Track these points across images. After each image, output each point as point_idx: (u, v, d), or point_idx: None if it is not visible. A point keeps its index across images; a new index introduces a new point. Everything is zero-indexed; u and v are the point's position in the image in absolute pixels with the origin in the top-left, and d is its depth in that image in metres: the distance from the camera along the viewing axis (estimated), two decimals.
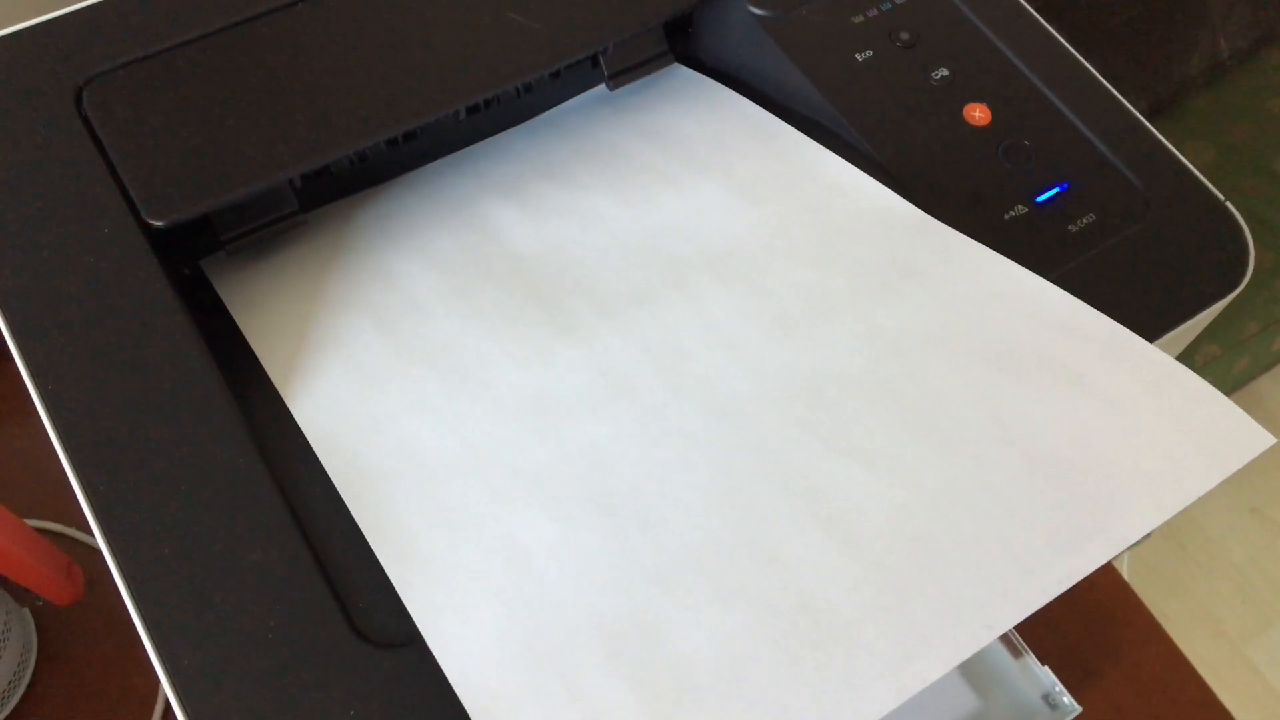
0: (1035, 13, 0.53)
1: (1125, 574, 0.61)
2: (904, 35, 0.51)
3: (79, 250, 0.42)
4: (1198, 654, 1.40)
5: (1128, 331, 0.40)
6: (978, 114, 0.49)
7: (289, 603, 0.36)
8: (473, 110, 0.51)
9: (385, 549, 0.37)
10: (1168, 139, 0.49)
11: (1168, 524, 1.49)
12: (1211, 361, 1.27)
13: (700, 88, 0.53)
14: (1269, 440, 0.37)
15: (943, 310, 0.42)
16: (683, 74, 0.54)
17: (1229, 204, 0.47)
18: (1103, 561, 0.34)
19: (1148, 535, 1.23)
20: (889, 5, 0.52)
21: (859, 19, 0.51)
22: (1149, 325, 0.44)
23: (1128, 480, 0.36)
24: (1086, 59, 0.52)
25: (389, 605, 0.36)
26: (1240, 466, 0.36)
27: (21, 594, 0.58)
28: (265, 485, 0.38)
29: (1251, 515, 1.51)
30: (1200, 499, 1.50)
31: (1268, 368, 1.40)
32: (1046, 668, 0.53)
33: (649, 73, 0.53)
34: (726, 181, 0.48)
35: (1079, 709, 0.52)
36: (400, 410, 0.41)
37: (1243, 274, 0.46)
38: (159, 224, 0.43)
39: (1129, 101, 0.50)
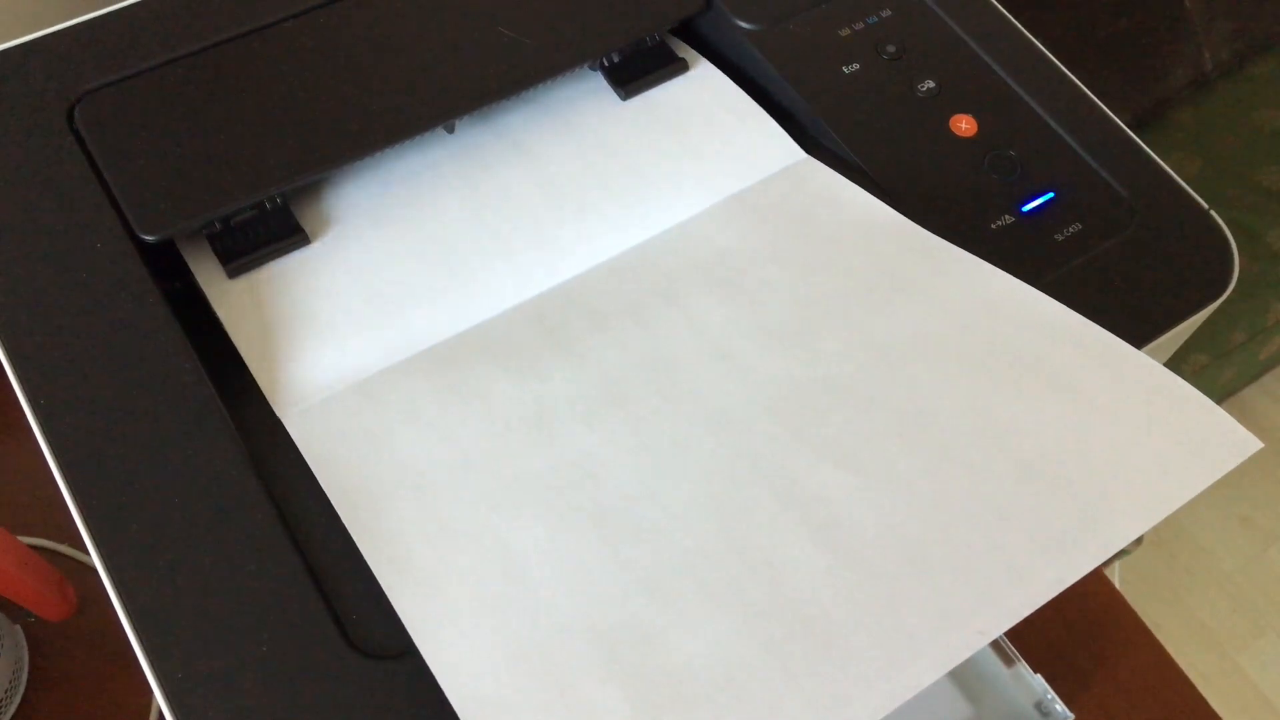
0: (1020, 25, 0.53)
1: (1116, 583, 0.61)
2: (890, 48, 0.52)
3: (71, 265, 0.42)
4: (1189, 663, 1.40)
5: (1116, 339, 0.41)
6: (964, 125, 0.50)
7: (283, 615, 0.36)
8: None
9: (379, 561, 0.37)
10: (1152, 151, 0.50)
11: (1158, 533, 1.49)
12: (1199, 371, 1.27)
13: (706, 85, 0.53)
14: (1256, 444, 0.37)
15: (933, 319, 0.42)
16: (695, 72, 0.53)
17: (1213, 212, 0.48)
18: (1094, 566, 0.35)
19: (1139, 542, 1.23)
20: (875, 18, 0.52)
21: (845, 32, 0.52)
22: (1135, 332, 0.44)
23: (1117, 485, 0.37)
24: (1071, 72, 0.52)
25: (383, 617, 0.36)
26: (1228, 471, 0.36)
27: (13, 610, 0.58)
28: (258, 498, 0.38)
29: (1241, 524, 1.51)
30: (1190, 508, 1.51)
31: (1255, 377, 1.41)
32: (1039, 676, 0.53)
33: (660, 81, 0.53)
34: (718, 191, 0.48)
35: (1071, 716, 0.52)
36: (394, 422, 0.41)
37: (1228, 281, 0.46)
38: (151, 239, 0.43)
39: (1113, 114, 0.51)
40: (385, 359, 0.43)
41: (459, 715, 0.33)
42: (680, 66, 0.53)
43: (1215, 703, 1.37)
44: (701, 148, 0.50)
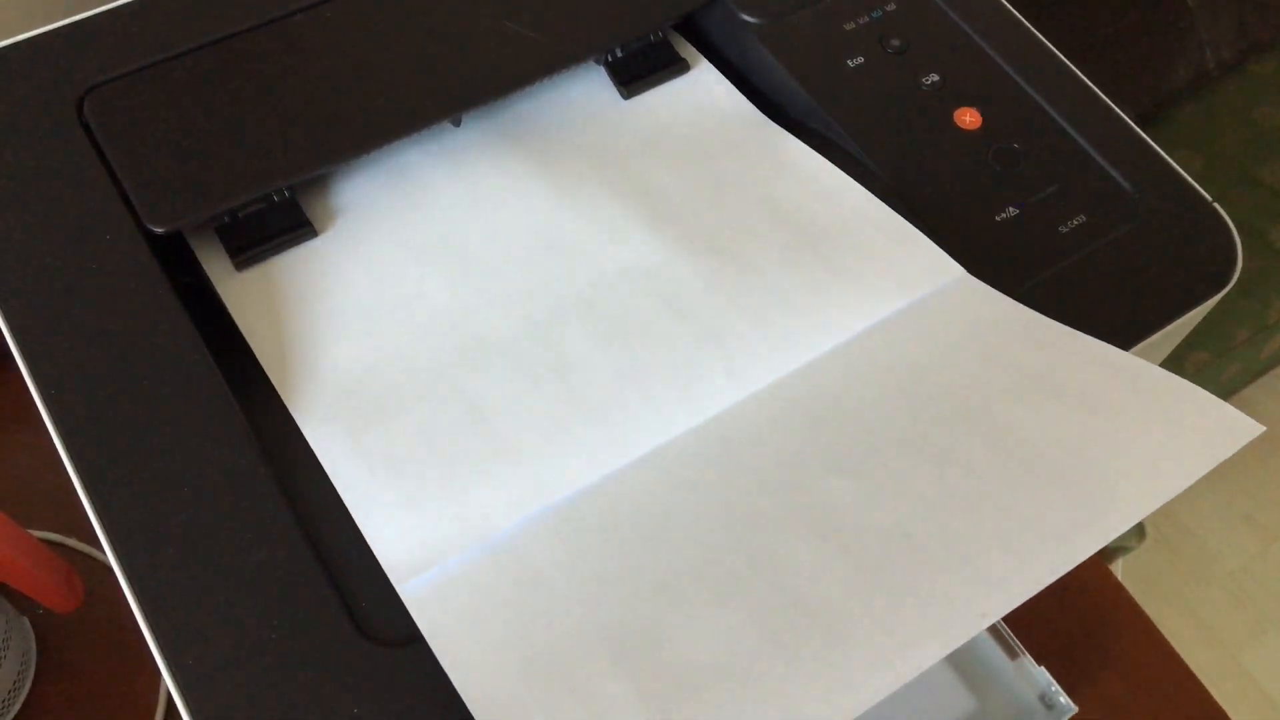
0: (1024, 19, 0.54)
1: (1119, 581, 0.62)
2: (895, 41, 0.52)
3: (81, 257, 0.42)
4: (1192, 661, 1.40)
5: (1104, 344, 0.41)
6: (968, 118, 0.50)
7: (293, 601, 0.36)
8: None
9: (390, 560, 0.37)
10: (1162, 152, 0.50)
11: (1161, 531, 1.49)
12: (1201, 368, 1.27)
13: (716, 98, 0.53)
14: (1257, 428, 0.37)
15: (928, 335, 0.43)
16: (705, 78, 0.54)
17: (1216, 204, 0.48)
18: (1094, 549, 0.35)
19: (1142, 538, 1.23)
20: (879, 12, 0.53)
21: (850, 25, 0.52)
22: (1139, 324, 0.45)
23: (1118, 473, 0.37)
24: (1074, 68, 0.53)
25: (393, 604, 0.36)
26: (1229, 455, 0.37)
27: (22, 602, 0.58)
28: (268, 486, 0.38)
29: (1244, 522, 1.51)
30: (1193, 506, 1.51)
31: (1257, 375, 1.41)
32: (1043, 668, 0.53)
33: (662, 81, 0.53)
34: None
35: (1075, 709, 0.52)
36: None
37: (1231, 273, 0.46)
38: (160, 230, 0.43)
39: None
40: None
41: (468, 705, 0.33)
42: (681, 67, 0.53)
43: (1219, 701, 1.37)
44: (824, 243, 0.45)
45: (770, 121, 0.51)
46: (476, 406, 0.41)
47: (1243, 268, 0.47)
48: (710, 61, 0.54)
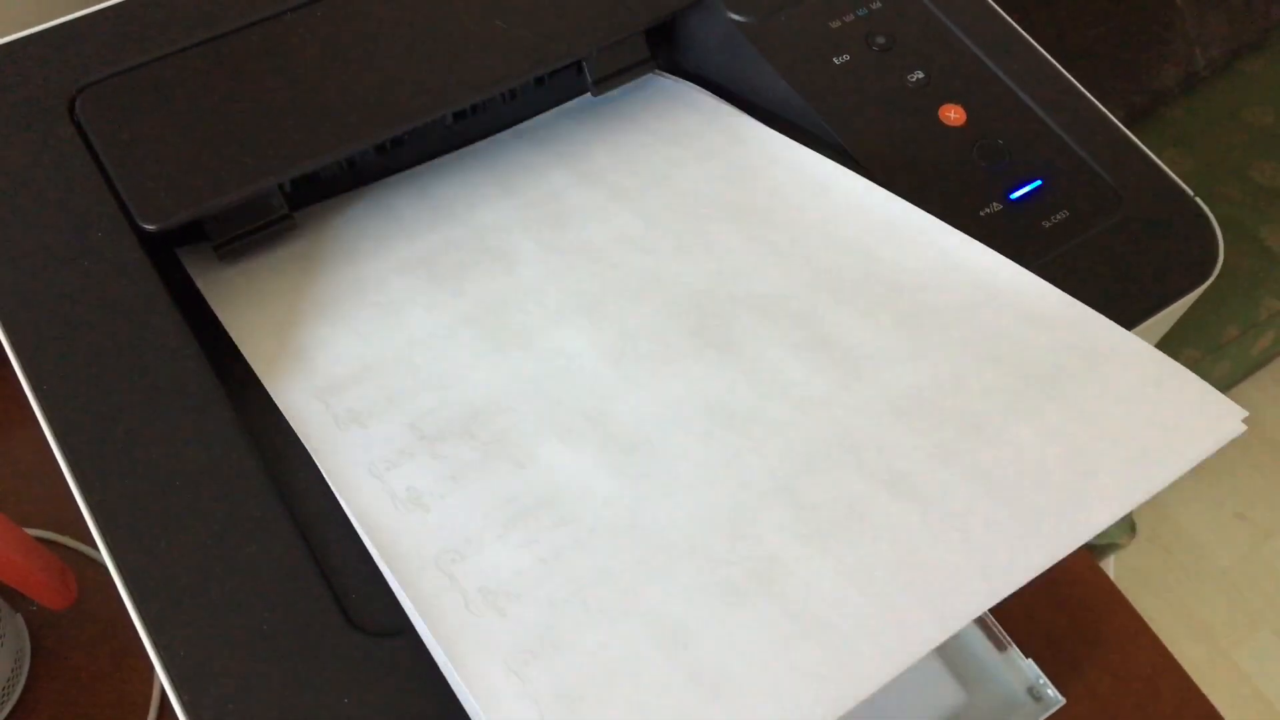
0: (1008, 17, 0.54)
1: (1111, 578, 0.62)
2: (880, 39, 0.52)
3: (74, 255, 0.43)
4: (1184, 658, 1.40)
5: (1102, 318, 0.41)
6: (953, 115, 0.50)
7: (284, 594, 0.36)
8: (459, 116, 0.52)
9: (381, 550, 0.37)
10: (1145, 147, 0.51)
11: (1153, 529, 1.50)
12: (1192, 366, 1.28)
13: (701, 107, 0.53)
14: (1241, 413, 0.37)
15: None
16: (675, 87, 0.54)
17: (1198, 199, 0.49)
18: (1081, 541, 0.35)
19: (1133, 535, 1.24)
20: (865, 10, 0.53)
21: (836, 24, 0.52)
22: (1121, 317, 0.45)
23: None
24: (1063, 69, 0.53)
25: (383, 596, 0.37)
26: (1216, 448, 0.37)
27: (16, 599, 0.58)
28: (259, 479, 0.38)
29: (1236, 520, 1.52)
30: (1185, 503, 1.51)
31: (1248, 373, 1.42)
32: (1030, 660, 0.53)
33: (632, 79, 0.54)
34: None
35: (1062, 701, 0.52)
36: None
37: (1212, 267, 0.47)
38: (153, 228, 0.43)
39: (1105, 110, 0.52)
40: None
41: (462, 696, 0.34)
42: (649, 65, 0.53)
43: (1210, 698, 1.37)
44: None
45: (893, 197, 0.46)
46: (665, 627, 0.33)
47: (1233, 266, 0.47)
48: (702, 59, 0.54)
